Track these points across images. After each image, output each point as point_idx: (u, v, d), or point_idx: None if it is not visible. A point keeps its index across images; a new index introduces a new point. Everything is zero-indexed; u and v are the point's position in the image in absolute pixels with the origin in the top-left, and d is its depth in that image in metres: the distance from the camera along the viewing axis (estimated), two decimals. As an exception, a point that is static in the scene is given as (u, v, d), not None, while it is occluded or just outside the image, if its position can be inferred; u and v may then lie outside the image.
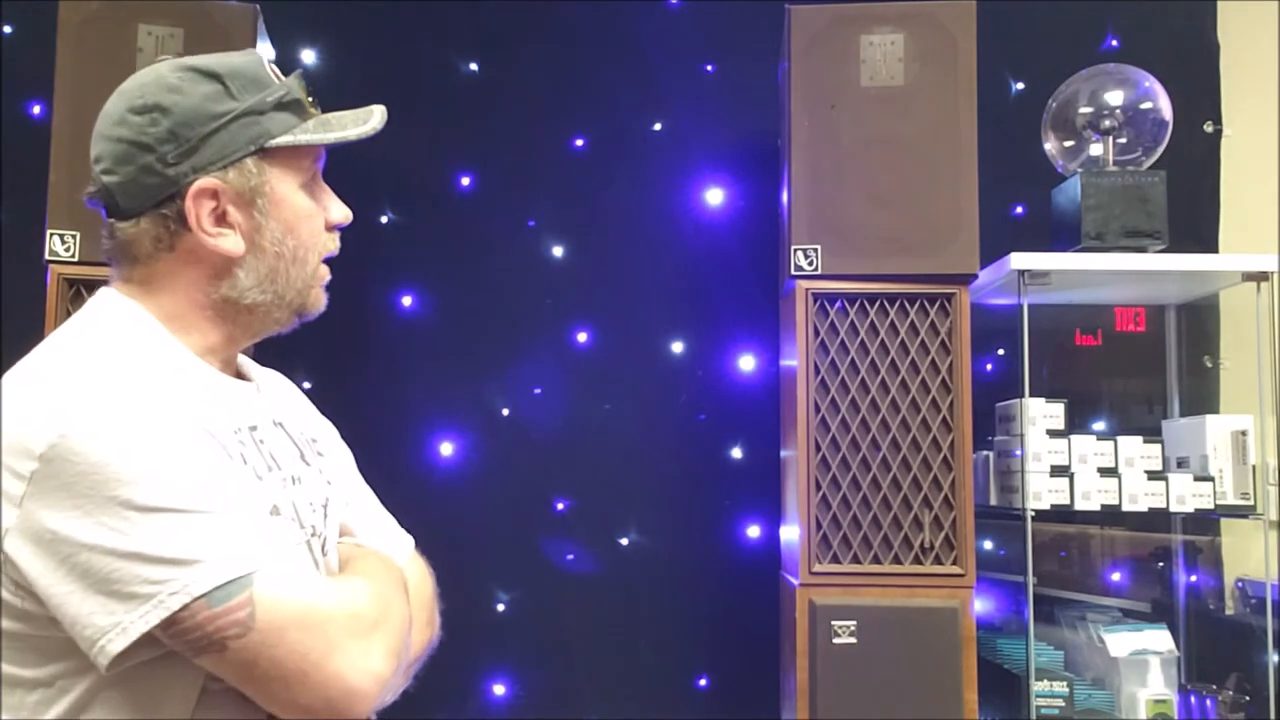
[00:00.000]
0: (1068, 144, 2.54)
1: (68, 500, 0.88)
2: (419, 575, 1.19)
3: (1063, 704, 2.32)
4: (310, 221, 1.10)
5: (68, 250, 2.16)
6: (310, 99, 1.11)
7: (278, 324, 1.12)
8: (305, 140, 1.07)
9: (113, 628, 0.88)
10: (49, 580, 0.89)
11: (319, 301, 1.13)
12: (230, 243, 1.05)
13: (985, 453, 2.55)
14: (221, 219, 1.05)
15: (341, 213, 1.14)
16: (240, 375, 1.15)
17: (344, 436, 1.30)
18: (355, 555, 1.13)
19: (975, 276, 2.26)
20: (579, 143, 2.84)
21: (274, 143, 1.06)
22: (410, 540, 1.25)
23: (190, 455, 0.93)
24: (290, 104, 1.08)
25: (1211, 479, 2.35)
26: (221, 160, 1.04)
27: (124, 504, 0.88)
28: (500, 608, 2.72)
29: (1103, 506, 2.35)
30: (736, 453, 2.77)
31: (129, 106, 1.04)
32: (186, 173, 1.03)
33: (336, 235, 1.15)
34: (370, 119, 1.11)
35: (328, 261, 1.14)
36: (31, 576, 0.90)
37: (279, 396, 1.20)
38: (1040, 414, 2.39)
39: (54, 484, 0.89)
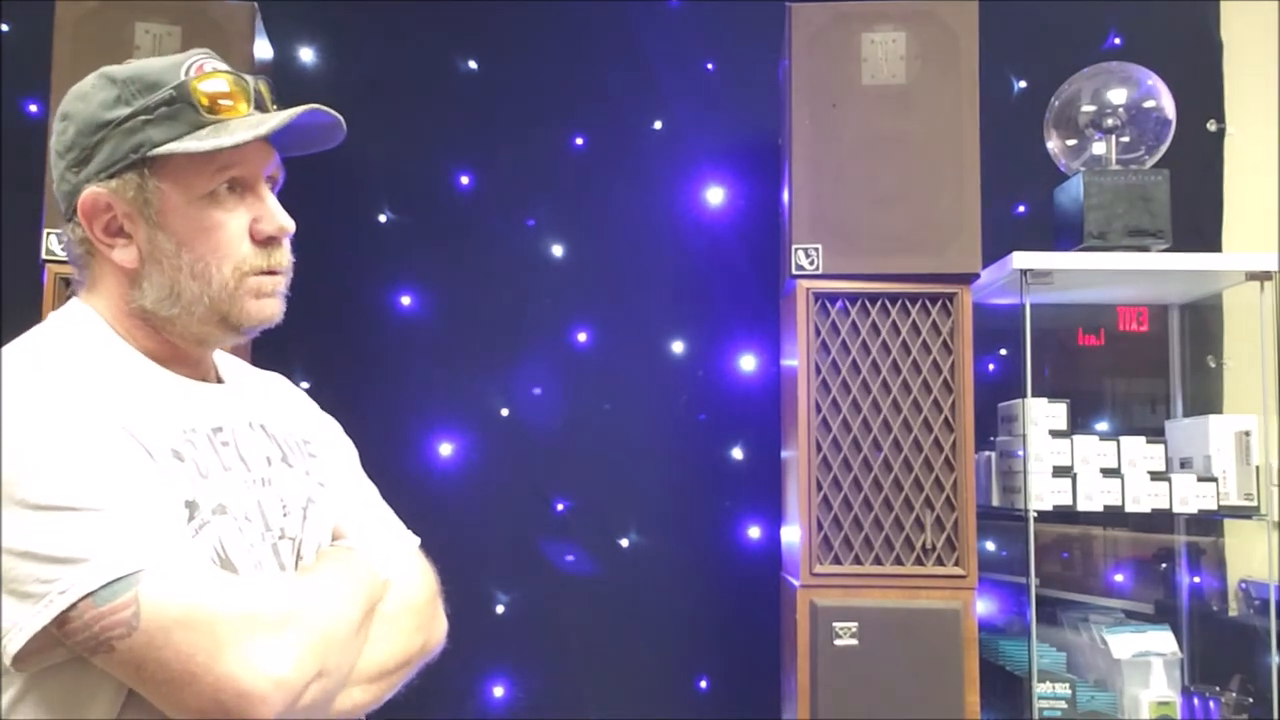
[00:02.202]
0: (1070, 143, 2.53)
1: None
2: (413, 578, 1.15)
3: (1065, 705, 2.31)
4: (210, 235, 1.02)
5: (64, 249, 2.15)
6: (248, 98, 1.04)
7: (213, 336, 1.07)
8: (183, 149, 1.00)
9: (11, 627, 0.88)
10: None
11: (255, 316, 1.06)
12: (121, 254, 1.03)
13: (987, 453, 2.54)
14: (119, 230, 1.03)
15: (275, 224, 1.06)
16: (216, 378, 1.13)
17: (342, 438, 1.28)
18: (318, 557, 1.11)
19: (977, 276, 2.25)
20: (579, 141, 2.83)
21: (156, 151, 1.00)
22: (414, 541, 1.22)
23: (90, 454, 0.91)
24: (181, 109, 1.01)
25: (1215, 480, 2.34)
26: (107, 169, 1.02)
27: (19, 503, 0.88)
28: (500, 609, 2.71)
29: (1105, 507, 2.34)
30: (737, 453, 2.76)
31: (56, 114, 1.06)
32: (83, 181, 1.02)
33: (278, 249, 1.07)
34: (266, 122, 1.02)
35: (272, 275, 1.07)
36: None
37: (265, 399, 1.18)
38: (1042, 414, 2.38)
39: None
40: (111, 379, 1.00)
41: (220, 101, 1.03)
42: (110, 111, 1.02)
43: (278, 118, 1.03)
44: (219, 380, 1.14)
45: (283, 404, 1.21)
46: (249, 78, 1.06)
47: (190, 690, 0.89)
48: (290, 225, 1.07)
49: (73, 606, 0.87)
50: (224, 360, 1.17)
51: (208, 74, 1.04)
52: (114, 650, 0.88)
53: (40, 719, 0.92)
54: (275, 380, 1.25)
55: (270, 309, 1.07)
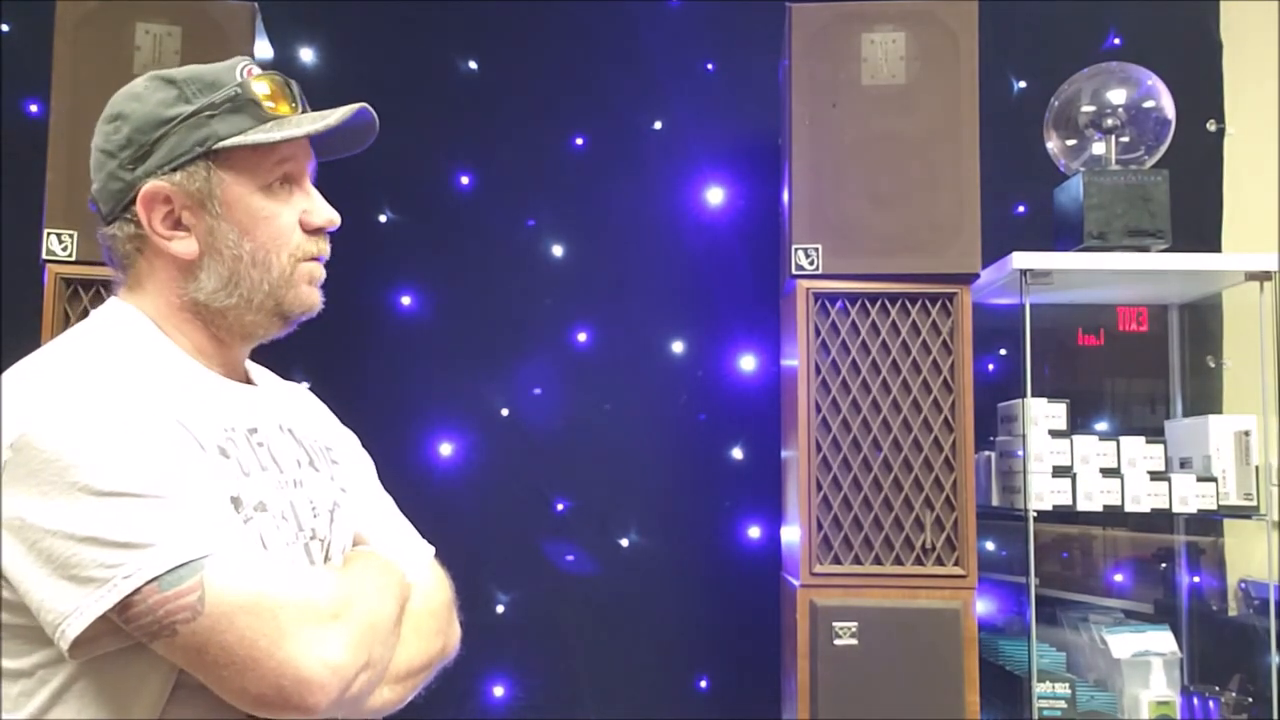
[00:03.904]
0: (1070, 143, 2.53)
1: (34, 487, 0.90)
2: (431, 583, 1.17)
3: (1065, 705, 2.31)
4: (269, 224, 1.08)
5: (65, 250, 2.15)
6: (292, 99, 1.10)
7: (261, 327, 1.11)
8: (252, 140, 1.05)
9: (72, 612, 0.89)
10: (17, 566, 0.91)
11: (305, 302, 1.11)
12: (182, 245, 1.06)
13: (987, 453, 2.54)
14: (177, 222, 1.06)
15: (323, 216, 1.12)
16: (247, 381, 1.16)
17: (343, 438, 1.29)
18: (350, 557, 1.13)
19: (977, 276, 2.25)
20: (579, 142, 2.83)
21: (222, 144, 1.05)
22: (430, 549, 1.24)
23: (150, 442, 0.93)
24: (245, 105, 1.06)
25: (1214, 479, 2.34)
26: (170, 164, 1.05)
27: (83, 489, 0.89)
28: (500, 609, 2.71)
29: (1105, 507, 2.34)
30: (737, 453, 2.76)
31: (103, 116, 1.08)
32: (140, 177, 1.05)
33: (323, 238, 1.13)
34: (328, 117, 1.08)
35: (317, 261, 1.13)
36: (4, 563, 0.91)
37: (292, 405, 1.21)
38: (1042, 414, 2.38)
39: (22, 472, 0.90)
40: (160, 373, 1.03)
41: (267, 103, 1.08)
42: (172, 109, 1.05)
43: (338, 113, 1.09)
44: (250, 383, 1.16)
45: (307, 412, 1.24)
46: (292, 82, 1.12)
47: (252, 674, 0.90)
48: (337, 218, 1.13)
49: (137, 591, 0.88)
50: (253, 367, 1.20)
51: (258, 76, 1.09)
52: (176, 634, 0.89)
53: (86, 716, 0.93)
54: (300, 390, 1.28)
55: (315, 297, 1.13)
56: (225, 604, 0.90)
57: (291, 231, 1.09)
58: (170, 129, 1.05)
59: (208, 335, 1.09)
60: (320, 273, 1.13)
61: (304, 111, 1.11)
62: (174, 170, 1.05)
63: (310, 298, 1.12)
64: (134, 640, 0.91)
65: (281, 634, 0.91)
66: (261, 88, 1.08)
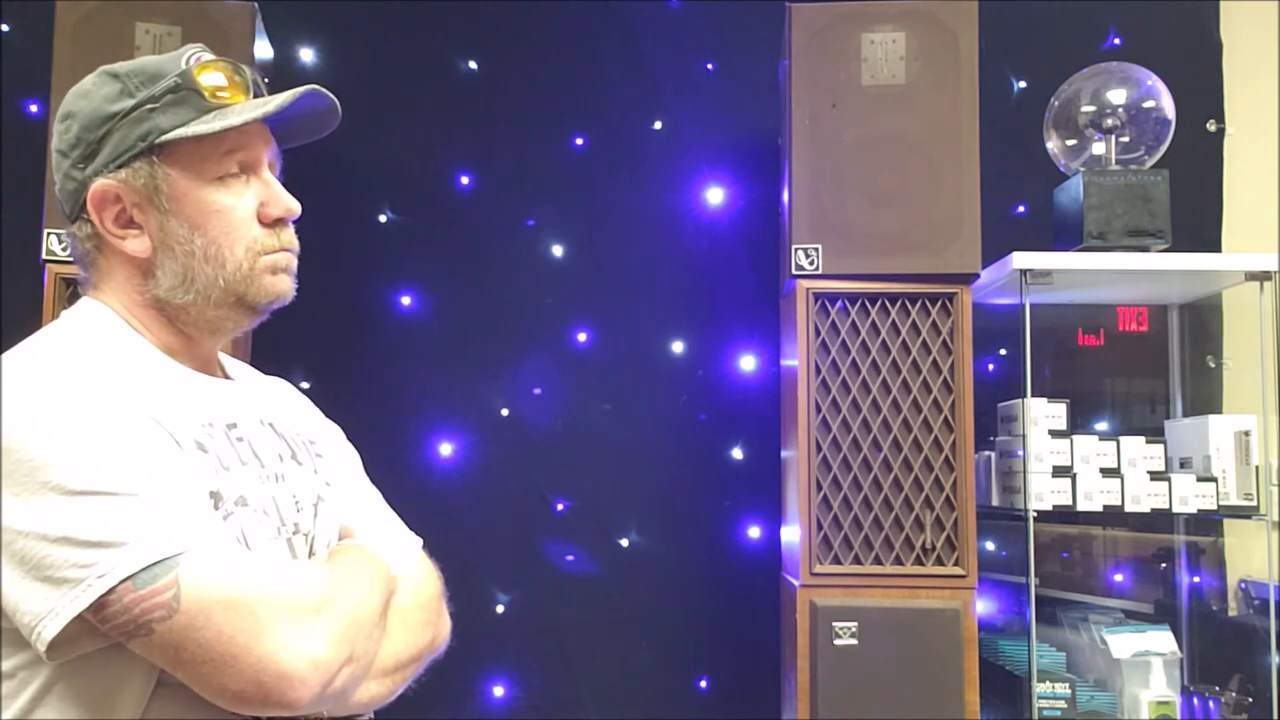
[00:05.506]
0: (1070, 143, 2.53)
1: (6, 489, 0.89)
2: (421, 576, 1.17)
3: (1065, 705, 2.31)
4: (221, 218, 1.04)
5: (65, 250, 2.15)
6: (246, 87, 1.06)
7: (229, 320, 1.08)
8: (193, 132, 1.02)
9: (47, 613, 0.88)
10: None
11: (271, 292, 1.07)
12: (135, 244, 1.04)
13: (987, 453, 2.54)
14: (129, 221, 1.04)
15: (281, 206, 1.08)
16: (224, 375, 1.15)
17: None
18: (335, 551, 1.12)
19: (977, 276, 2.26)
20: (579, 142, 2.83)
21: (165, 138, 1.02)
22: (417, 541, 1.24)
23: (123, 440, 0.92)
24: (188, 95, 1.03)
25: (1214, 479, 2.34)
26: (115, 160, 1.03)
27: (54, 489, 0.88)
28: (500, 609, 2.71)
29: (1105, 507, 2.34)
30: (737, 453, 2.76)
31: (57, 115, 1.06)
32: (90, 176, 1.04)
33: (286, 229, 1.09)
34: (269, 103, 1.04)
35: (285, 253, 1.09)
36: None
37: (272, 399, 1.19)
38: (1042, 414, 2.38)
39: None
40: (133, 369, 1.01)
41: (220, 93, 1.05)
42: (115, 104, 1.03)
43: (281, 97, 1.05)
44: (227, 378, 1.15)
45: (288, 405, 1.22)
46: (245, 68, 1.08)
47: (231, 671, 0.89)
48: (296, 207, 1.09)
49: (111, 590, 0.87)
50: (229, 361, 1.19)
51: (206, 64, 1.06)
52: (153, 633, 0.88)
53: (68, 717, 0.92)
54: (280, 383, 1.26)
55: (284, 285, 1.09)
56: (201, 601, 0.89)
57: (248, 224, 1.06)
58: (114, 125, 1.03)
59: (174, 331, 1.08)
60: (286, 261, 1.09)
61: (261, 98, 1.08)
62: (120, 167, 1.02)
63: (276, 286, 1.08)
64: (113, 640, 0.90)
65: (261, 629, 0.90)
66: (210, 77, 1.04)
